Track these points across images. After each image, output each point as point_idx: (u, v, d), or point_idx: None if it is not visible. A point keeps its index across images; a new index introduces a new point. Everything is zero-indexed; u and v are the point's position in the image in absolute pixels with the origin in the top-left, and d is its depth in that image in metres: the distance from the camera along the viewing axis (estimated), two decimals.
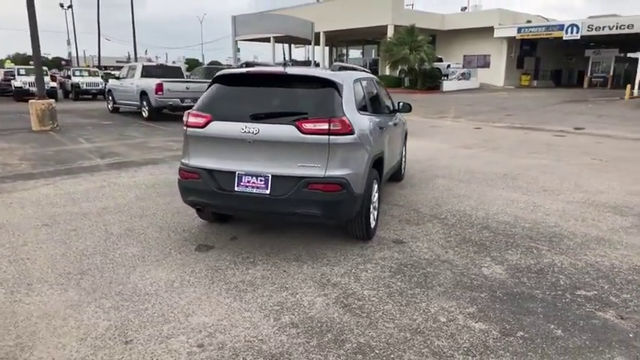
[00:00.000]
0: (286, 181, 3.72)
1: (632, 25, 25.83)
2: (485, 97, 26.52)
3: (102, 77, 23.00)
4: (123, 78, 15.48)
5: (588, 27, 27.93)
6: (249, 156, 3.80)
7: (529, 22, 33.86)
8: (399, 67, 31.88)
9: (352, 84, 4.20)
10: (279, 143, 3.71)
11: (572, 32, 28.66)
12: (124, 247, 4.16)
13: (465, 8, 39.81)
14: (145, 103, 14.05)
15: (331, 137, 3.63)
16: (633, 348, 2.72)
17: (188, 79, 14.77)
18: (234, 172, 3.84)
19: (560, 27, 29.34)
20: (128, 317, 2.99)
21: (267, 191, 3.75)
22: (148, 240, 4.35)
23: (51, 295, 3.27)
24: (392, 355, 2.63)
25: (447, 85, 31.01)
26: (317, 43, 35.63)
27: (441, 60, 33.41)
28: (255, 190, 3.79)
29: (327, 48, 43.25)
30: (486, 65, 35.79)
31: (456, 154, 9.66)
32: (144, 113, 14.20)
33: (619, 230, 4.82)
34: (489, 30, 33.36)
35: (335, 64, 4.61)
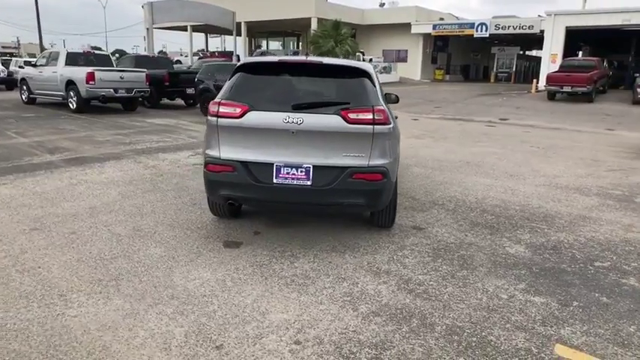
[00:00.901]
0: (329, 172, 3.67)
1: (532, 26, 28.69)
2: (408, 90, 27.82)
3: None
4: (41, 66, 13.90)
5: (495, 26, 30.50)
6: (289, 147, 3.69)
7: (442, 19, 36.12)
8: None
9: (375, 74, 4.25)
10: (322, 133, 3.65)
11: (481, 30, 31.11)
12: (144, 249, 3.83)
13: (383, 4, 41.32)
14: (72, 93, 12.77)
15: (375, 127, 3.66)
16: None
17: (123, 68, 13.68)
18: (272, 164, 3.71)
19: (471, 25, 31.70)
20: (200, 321, 2.79)
21: (309, 182, 3.68)
22: (166, 239, 4.05)
23: (95, 305, 2.93)
24: (483, 333, 2.76)
25: None
26: (238, 33, 34.87)
27: (363, 54, 34.43)
28: (295, 182, 3.69)
29: (245, 39, 42.32)
30: (404, 60, 37.53)
31: (412, 144, 10.10)
32: (71, 105, 12.91)
33: (592, 208, 5.42)
34: (407, 26, 35.01)
35: (358, 54, 4.62)
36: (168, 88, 14.81)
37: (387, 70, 34.33)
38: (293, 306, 3.00)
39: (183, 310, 2.91)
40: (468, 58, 42.13)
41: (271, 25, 38.94)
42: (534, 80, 24.18)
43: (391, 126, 3.82)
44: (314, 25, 33.30)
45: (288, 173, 3.70)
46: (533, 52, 42.66)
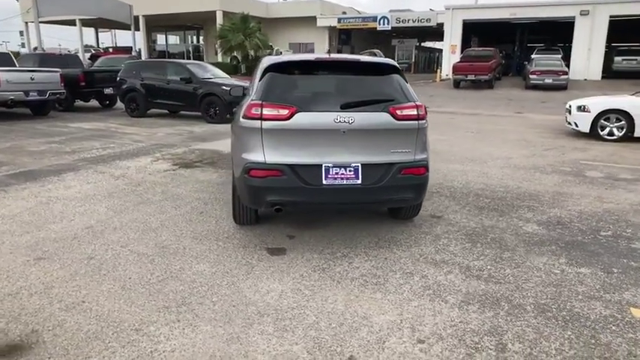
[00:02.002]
0: (378, 169, 3.68)
1: (429, 19, 30.80)
2: None
3: None
4: None
5: (396, 19, 32.19)
6: (337, 146, 3.62)
7: (344, 12, 37.19)
8: (232, 54, 31.60)
9: None
10: (372, 131, 3.65)
11: (384, 24, 32.63)
12: (187, 267, 3.51)
13: None
14: None
15: (419, 122, 3.75)
16: None
17: (33, 68, 12.04)
18: (321, 165, 3.61)
19: (374, 19, 33.10)
20: (311, 335, 2.67)
21: (359, 181, 3.66)
22: (203, 254, 3.75)
23: (185, 336, 2.65)
24: (567, 307, 3.01)
25: None
26: (136, 27, 32.52)
27: (271, 47, 34.21)
28: (345, 182, 3.64)
29: (144, 33, 39.48)
30: (311, 52, 38.01)
31: None
32: None
33: (561, 185, 6.09)
34: (312, 19, 35.45)
35: (374, 50, 4.62)
36: (84, 89, 13.41)
37: None
38: (387, 306, 3.00)
39: (285, 326, 2.75)
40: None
41: (171, 18, 36.94)
42: (438, 69, 26.05)
43: (426, 120, 3.93)
44: (219, 19, 32.30)
45: (337, 173, 3.63)
46: (429, 44, 45.79)
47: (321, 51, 37.50)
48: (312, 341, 2.61)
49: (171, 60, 18.04)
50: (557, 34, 28.11)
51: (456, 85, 22.10)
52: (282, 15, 36.93)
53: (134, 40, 31.10)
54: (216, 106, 11.51)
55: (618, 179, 6.39)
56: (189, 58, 39.28)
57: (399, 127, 3.68)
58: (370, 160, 3.67)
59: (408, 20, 31.88)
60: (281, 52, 35.37)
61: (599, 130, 9.73)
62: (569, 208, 5.11)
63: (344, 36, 38.77)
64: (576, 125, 10.10)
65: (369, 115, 3.63)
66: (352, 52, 41.33)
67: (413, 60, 38.29)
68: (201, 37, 45.70)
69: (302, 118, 3.53)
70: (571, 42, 23.81)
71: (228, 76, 13.82)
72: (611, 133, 9.59)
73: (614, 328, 2.78)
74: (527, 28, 28.85)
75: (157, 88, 12.20)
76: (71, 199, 5.14)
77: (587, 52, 22.80)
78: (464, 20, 25.77)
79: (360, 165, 3.65)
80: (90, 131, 10.04)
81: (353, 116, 3.56)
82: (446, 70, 25.03)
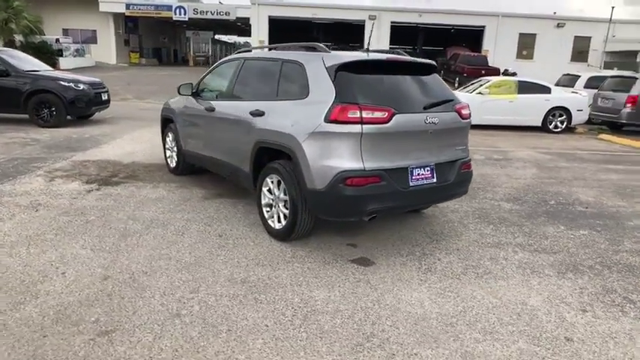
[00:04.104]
0: (445, 167, 3.86)
1: (229, 13, 30.73)
2: (119, 75, 25.23)
3: None
4: None
5: (194, 10, 30.99)
6: (419, 147, 3.66)
7: None
8: None
9: None
10: (447, 130, 3.78)
11: (180, 14, 31.01)
12: (307, 297, 3.04)
13: None
14: None
15: (470, 120, 4.06)
16: (617, 217, 5.01)
17: None
18: (407, 167, 3.58)
19: (169, 8, 31.08)
20: (512, 330, 2.76)
21: (434, 180, 3.76)
22: (297, 280, 3.27)
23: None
24: (615, 261, 3.84)
25: (64, 62, 27.31)
26: None
27: (44, 33, 28.64)
28: (425, 182, 3.71)
29: None
30: (93, 41, 33.38)
31: None
32: None
33: (488, 165, 7.25)
34: (93, 3, 31.08)
35: (397, 49, 4.59)
36: None
37: (80, 52, 29.93)
38: (522, 290, 3.27)
39: (484, 329, 2.75)
40: (158, 41, 41.08)
41: None
42: None
43: None
44: None
45: (418, 174, 3.67)
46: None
47: (107, 39, 33.21)
48: (524, 335, 2.71)
49: None
50: (351, 35, 31.70)
51: None
52: None
53: None
54: (52, 106, 9.30)
55: (497, 159, 8.00)
56: None
57: (462, 126, 3.94)
58: (442, 159, 3.82)
59: (207, 12, 31.11)
60: (57, 39, 29.93)
61: None
62: (504, 186, 6.21)
63: (131, 24, 35.24)
64: None
65: (447, 115, 3.77)
66: (140, 42, 37.98)
67: (210, 53, 37.56)
68: None
69: (400, 120, 3.43)
70: (362, 42, 27.32)
71: (51, 68, 11.23)
72: None
73: None
74: (323, 28, 31.64)
75: None
76: (6, 245, 3.63)
77: None
78: (270, 17, 26.70)
79: (434, 164, 3.76)
80: None
81: (438, 116, 3.64)
82: None
